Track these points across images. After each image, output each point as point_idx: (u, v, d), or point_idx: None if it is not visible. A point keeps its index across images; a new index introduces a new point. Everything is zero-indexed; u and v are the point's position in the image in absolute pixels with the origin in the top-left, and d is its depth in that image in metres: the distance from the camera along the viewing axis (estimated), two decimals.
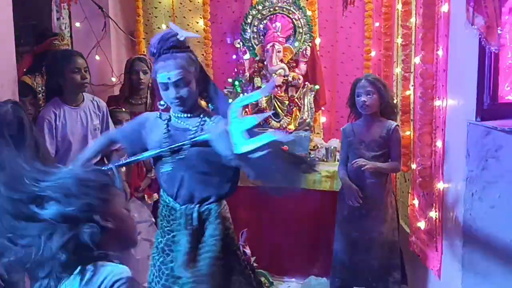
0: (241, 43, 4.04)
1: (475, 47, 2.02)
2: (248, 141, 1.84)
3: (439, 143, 2.44)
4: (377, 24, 4.02)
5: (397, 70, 3.41)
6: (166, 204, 2.20)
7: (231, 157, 1.89)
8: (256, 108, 3.94)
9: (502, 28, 1.93)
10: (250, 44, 4.05)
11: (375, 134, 2.84)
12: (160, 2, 4.35)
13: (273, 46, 3.85)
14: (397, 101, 3.40)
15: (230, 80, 4.14)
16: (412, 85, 2.99)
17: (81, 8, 3.92)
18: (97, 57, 4.01)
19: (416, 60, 2.66)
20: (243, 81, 4.03)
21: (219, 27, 4.35)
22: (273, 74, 3.87)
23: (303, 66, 4.02)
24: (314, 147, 3.81)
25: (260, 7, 4.02)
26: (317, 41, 4.17)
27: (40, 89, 3.28)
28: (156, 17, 4.34)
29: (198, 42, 4.33)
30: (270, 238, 3.55)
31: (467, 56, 2.11)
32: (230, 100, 4.02)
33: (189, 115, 2.15)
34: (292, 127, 3.90)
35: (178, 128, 2.15)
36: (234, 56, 4.24)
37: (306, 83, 3.99)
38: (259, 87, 3.93)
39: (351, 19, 4.16)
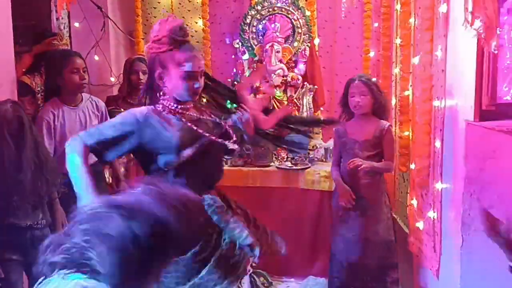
0: (240, 43, 4.04)
1: (473, 47, 2.02)
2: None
3: (437, 144, 2.44)
4: (376, 24, 4.03)
5: (396, 70, 3.42)
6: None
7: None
8: None
9: (500, 29, 1.93)
10: (249, 44, 4.05)
11: (368, 133, 2.85)
12: (159, 2, 4.35)
13: (272, 46, 3.85)
14: (396, 101, 3.41)
15: (229, 80, 4.15)
16: (410, 86, 2.99)
17: (80, 8, 3.92)
18: (96, 57, 4.01)
19: (415, 60, 2.67)
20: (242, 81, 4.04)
21: (218, 27, 4.35)
22: (272, 74, 3.88)
23: (302, 66, 4.03)
24: (313, 147, 3.81)
25: (259, 8, 4.03)
26: (316, 41, 4.17)
27: (39, 89, 3.27)
28: (155, 17, 4.34)
29: (197, 42, 4.34)
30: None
31: (465, 56, 2.12)
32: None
33: (192, 105, 2.15)
34: None
35: (193, 118, 2.11)
36: (233, 56, 4.23)
37: (305, 83, 4.00)
38: (258, 87, 3.93)
39: (350, 19, 4.16)
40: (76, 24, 4.06)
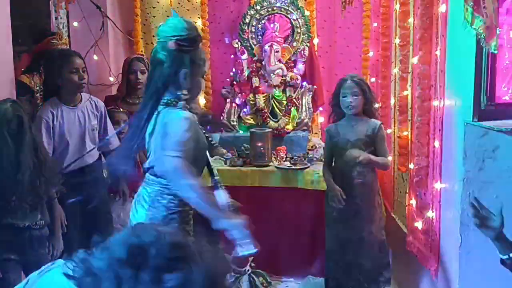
0: (239, 43, 4.04)
1: (472, 47, 2.02)
2: None
3: (436, 143, 2.45)
4: (375, 24, 4.03)
5: (395, 70, 3.41)
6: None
7: None
8: (255, 108, 3.95)
9: (500, 29, 1.93)
10: (248, 44, 4.05)
11: (360, 133, 2.85)
12: (158, 2, 4.35)
13: (271, 46, 3.85)
14: (395, 101, 3.41)
15: (228, 80, 4.15)
16: (409, 86, 2.99)
17: (79, 7, 3.91)
18: (95, 57, 4.01)
19: (414, 60, 2.67)
20: (241, 81, 4.04)
21: (218, 27, 4.35)
22: (271, 74, 3.88)
23: (301, 66, 4.03)
24: (312, 147, 3.82)
25: (258, 7, 4.03)
26: (315, 41, 4.17)
27: (37, 88, 3.27)
28: (154, 16, 4.34)
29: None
30: (268, 238, 3.54)
31: (464, 56, 2.12)
32: (228, 100, 4.04)
33: None
34: (290, 127, 3.91)
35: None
36: (232, 56, 4.23)
37: (304, 83, 4.00)
38: (257, 87, 3.94)
39: (349, 19, 4.16)
40: (75, 24, 4.06)
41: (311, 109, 3.96)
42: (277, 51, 3.87)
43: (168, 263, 0.87)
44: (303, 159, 3.63)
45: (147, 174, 2.18)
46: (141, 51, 4.20)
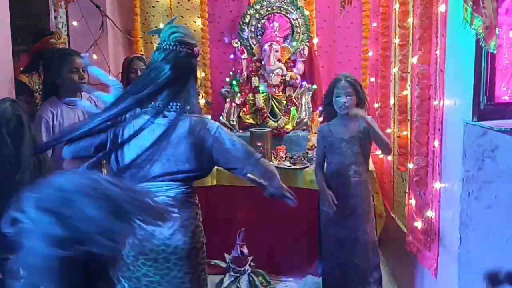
0: (238, 42, 4.04)
1: (472, 47, 2.02)
2: None
3: (436, 143, 2.45)
4: (374, 24, 4.03)
5: (395, 70, 3.42)
6: None
7: None
8: (254, 108, 3.95)
9: (499, 29, 1.93)
10: (248, 44, 4.05)
11: (353, 130, 2.85)
12: (157, 1, 4.34)
13: (271, 45, 3.85)
14: (395, 101, 3.41)
15: (227, 79, 4.15)
16: (409, 85, 3.00)
17: (79, 7, 3.91)
18: (95, 56, 4.01)
19: (414, 60, 2.67)
20: (241, 80, 4.04)
21: (217, 26, 4.35)
22: (271, 74, 3.88)
23: (300, 66, 4.03)
24: (311, 146, 3.82)
25: (257, 7, 4.03)
26: (315, 40, 4.17)
27: (37, 88, 3.27)
28: (153, 16, 4.34)
29: (196, 41, 4.32)
30: (268, 238, 3.55)
31: (464, 56, 2.12)
32: (227, 100, 4.04)
33: None
34: (289, 126, 3.91)
35: None
36: (231, 56, 4.23)
37: (304, 82, 4.00)
38: (256, 87, 3.94)
39: (349, 19, 4.16)
40: (75, 23, 4.06)
41: (311, 108, 3.97)
42: (276, 51, 3.87)
43: None
44: (302, 159, 3.63)
45: (162, 181, 2.11)
46: (141, 51, 4.20)
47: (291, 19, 4.00)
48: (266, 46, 3.87)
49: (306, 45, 4.01)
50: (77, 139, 2.12)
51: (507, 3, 2.02)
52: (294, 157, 3.66)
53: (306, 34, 4.01)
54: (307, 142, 3.84)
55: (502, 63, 2.05)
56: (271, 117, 3.93)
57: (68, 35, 4.06)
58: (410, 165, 2.79)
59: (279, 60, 3.92)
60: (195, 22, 4.33)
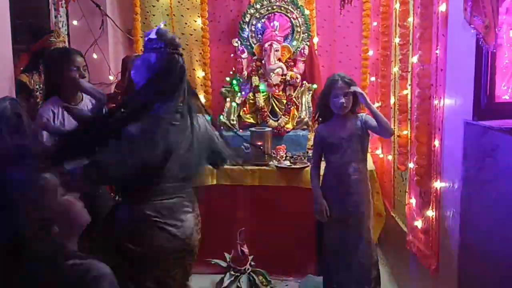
0: (239, 42, 4.04)
1: (472, 46, 2.02)
2: None
3: (436, 143, 2.45)
4: (375, 23, 4.03)
5: (395, 69, 3.42)
6: None
7: None
8: (254, 107, 3.95)
9: (499, 28, 1.93)
10: (248, 43, 4.05)
11: (351, 128, 2.85)
12: (158, 1, 4.34)
13: (271, 45, 3.85)
14: (395, 101, 3.41)
15: (228, 79, 4.15)
16: (409, 85, 3.00)
17: (79, 6, 3.91)
18: (95, 55, 4.01)
19: (414, 59, 2.67)
20: (241, 80, 4.04)
21: (217, 25, 4.35)
22: (271, 73, 3.88)
23: (301, 65, 4.03)
24: (312, 146, 3.82)
25: (258, 6, 4.03)
26: (315, 40, 4.17)
27: (37, 87, 3.27)
28: (154, 15, 4.34)
29: (196, 40, 4.34)
30: (268, 237, 3.55)
31: (464, 55, 2.12)
32: (227, 99, 4.04)
33: None
34: (289, 126, 3.91)
35: None
36: (232, 55, 4.23)
37: (304, 82, 4.00)
38: (257, 86, 3.94)
39: (349, 18, 4.16)
40: (75, 22, 4.06)
41: (311, 108, 3.97)
42: (277, 50, 3.87)
43: None
44: (302, 158, 3.64)
45: (181, 184, 2.14)
46: (141, 50, 4.20)
47: (291, 19, 4.00)
48: (266, 46, 3.88)
49: (306, 44, 4.01)
50: None
51: (508, 2, 2.01)
52: (294, 157, 3.66)
53: (306, 34, 4.02)
54: (307, 142, 3.84)
55: (502, 62, 2.04)
56: (271, 117, 3.93)
57: (68, 34, 4.06)
58: (411, 165, 2.79)
59: (279, 60, 3.92)
60: (195, 21, 4.34)
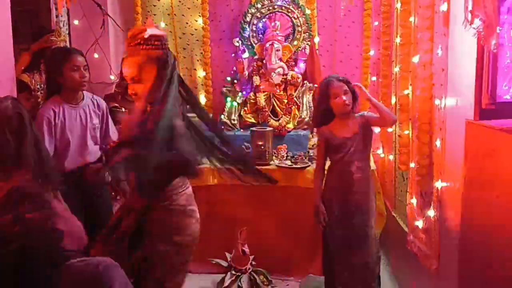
0: (240, 41, 4.04)
1: (473, 46, 2.02)
2: None
3: (437, 142, 2.45)
4: (376, 23, 4.03)
5: (396, 69, 3.41)
6: None
7: None
8: (255, 107, 3.95)
9: (500, 28, 1.93)
10: (249, 43, 4.05)
11: (354, 127, 2.84)
12: (159, 0, 4.35)
13: (272, 44, 3.86)
14: (396, 100, 3.41)
15: (228, 78, 4.15)
16: (410, 84, 2.99)
17: (80, 5, 3.91)
18: (96, 55, 4.01)
19: (415, 59, 2.66)
20: (242, 79, 4.04)
21: (218, 25, 4.35)
22: (272, 73, 3.88)
23: (302, 65, 4.03)
24: (313, 145, 3.82)
25: (259, 6, 4.03)
26: (316, 40, 4.17)
27: (38, 87, 3.27)
28: (155, 15, 4.34)
29: (197, 40, 4.34)
30: (269, 237, 3.56)
31: (465, 55, 2.11)
32: (228, 99, 4.04)
33: None
34: (290, 125, 3.91)
35: None
36: (233, 55, 4.23)
37: (305, 82, 4.00)
38: (258, 86, 3.94)
39: (350, 18, 4.16)
40: (76, 22, 4.06)
41: (312, 107, 3.97)
42: (278, 50, 3.88)
43: None
44: (303, 158, 3.64)
45: None
46: None
47: (292, 18, 4.00)
48: (267, 45, 3.88)
49: (307, 44, 4.01)
50: None
51: (509, 2, 2.01)
52: (295, 156, 3.66)
53: (307, 33, 4.02)
54: (308, 141, 3.84)
55: (503, 62, 2.04)
56: (272, 116, 3.93)
57: (69, 34, 4.05)
58: (412, 164, 2.79)
59: (280, 59, 3.92)
60: (196, 21, 4.34)
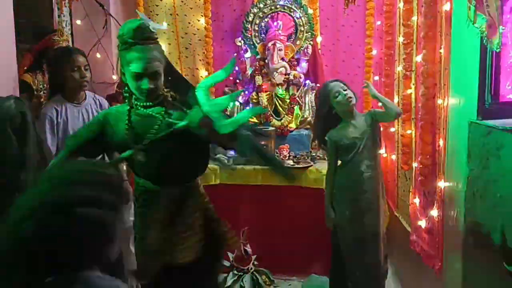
0: (242, 41, 4.04)
1: (476, 46, 2.01)
2: (230, 121, 1.90)
3: (440, 142, 2.44)
4: (378, 22, 4.02)
5: (399, 68, 3.41)
6: (145, 189, 2.23)
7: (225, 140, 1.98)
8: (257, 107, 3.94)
9: (504, 27, 1.92)
10: (252, 42, 4.05)
11: (362, 126, 2.83)
12: (161, 0, 4.35)
13: (274, 44, 3.85)
14: (399, 100, 3.40)
15: (231, 78, 4.14)
16: (413, 84, 2.99)
17: (82, 5, 3.92)
18: (98, 55, 4.01)
19: (418, 58, 2.66)
20: (244, 79, 4.04)
21: (220, 25, 4.35)
22: (274, 72, 3.88)
23: (304, 65, 4.03)
24: (315, 145, 3.81)
25: (261, 5, 4.03)
26: (319, 39, 4.17)
27: (41, 86, 3.27)
28: (157, 15, 4.34)
29: (199, 40, 4.34)
30: (271, 237, 3.55)
31: (468, 55, 2.11)
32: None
33: (152, 103, 2.15)
34: (293, 125, 3.90)
35: (140, 115, 2.16)
36: (235, 54, 4.23)
37: (307, 81, 3.99)
38: (260, 86, 3.94)
39: (353, 17, 4.15)
40: (78, 22, 4.07)
41: (314, 107, 3.96)
42: (280, 49, 3.87)
43: None
44: (306, 158, 3.64)
45: None
46: None
47: (294, 18, 4.00)
48: (269, 45, 3.88)
49: (309, 43, 4.00)
50: None
51: None
52: (297, 156, 3.66)
53: (309, 33, 4.01)
54: (311, 141, 3.84)
55: (507, 61, 2.03)
56: (274, 116, 3.92)
57: (71, 34, 4.06)
58: (414, 164, 2.78)
59: (282, 59, 3.92)
60: (199, 20, 4.34)
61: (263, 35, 4.04)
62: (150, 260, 2.19)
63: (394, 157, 3.63)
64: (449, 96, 2.33)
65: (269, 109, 3.93)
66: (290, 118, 3.89)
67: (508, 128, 1.94)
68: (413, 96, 3.00)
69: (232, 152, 3.69)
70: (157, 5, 4.36)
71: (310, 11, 4.05)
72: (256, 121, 3.94)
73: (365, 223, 2.83)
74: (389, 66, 3.72)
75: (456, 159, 2.25)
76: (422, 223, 2.69)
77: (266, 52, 3.92)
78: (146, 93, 2.08)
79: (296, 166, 3.55)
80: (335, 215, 2.90)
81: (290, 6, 4.00)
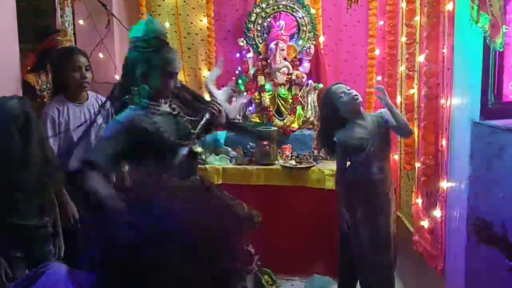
0: (244, 41, 4.04)
1: (479, 45, 2.01)
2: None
3: (443, 142, 2.44)
4: (381, 22, 4.01)
5: (401, 68, 3.40)
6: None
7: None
8: (260, 107, 3.94)
9: (507, 27, 1.92)
10: (254, 42, 4.05)
11: (370, 127, 2.76)
12: (163, 0, 4.35)
13: (277, 44, 3.85)
14: (401, 100, 3.40)
15: (233, 78, 4.14)
16: (416, 84, 2.98)
17: (85, 5, 3.92)
18: (101, 55, 4.02)
19: (421, 58, 2.65)
20: (247, 79, 4.03)
21: (223, 25, 4.34)
22: (277, 72, 3.87)
23: (306, 65, 4.02)
24: (317, 145, 3.81)
25: (264, 5, 4.02)
26: (321, 39, 4.16)
27: (44, 87, 3.28)
28: (159, 14, 4.34)
29: (202, 40, 4.34)
30: (273, 237, 3.55)
31: (471, 54, 2.10)
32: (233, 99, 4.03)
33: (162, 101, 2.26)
34: (295, 125, 3.90)
35: (160, 114, 2.23)
36: (237, 54, 4.23)
37: (310, 81, 3.99)
38: (262, 86, 3.93)
39: (355, 17, 4.14)
40: (81, 22, 4.07)
41: (317, 107, 3.95)
42: (282, 49, 3.87)
43: None
44: (308, 158, 3.63)
45: None
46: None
47: (297, 18, 4.00)
48: (272, 45, 3.87)
49: (312, 43, 4.00)
50: None
51: None
52: (300, 156, 3.66)
53: (312, 33, 4.01)
54: (313, 141, 3.83)
55: (510, 61, 2.03)
56: (277, 116, 3.92)
57: (74, 34, 4.07)
58: (417, 164, 2.78)
59: (285, 59, 3.91)
60: (201, 20, 4.34)
61: (265, 35, 4.03)
62: None
63: (396, 157, 3.63)
64: (452, 96, 2.33)
65: (272, 109, 3.92)
66: (292, 118, 3.89)
67: (511, 128, 1.94)
68: (415, 96, 3.00)
69: (234, 153, 3.70)
70: (159, 5, 4.36)
71: (313, 11, 4.05)
72: (259, 121, 3.94)
73: (378, 225, 2.76)
74: (392, 66, 3.71)
75: (459, 159, 2.25)
76: (425, 223, 2.68)
77: (269, 52, 3.92)
78: (168, 92, 2.21)
79: (299, 166, 3.55)
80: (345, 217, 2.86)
81: (293, 6, 4.00)
